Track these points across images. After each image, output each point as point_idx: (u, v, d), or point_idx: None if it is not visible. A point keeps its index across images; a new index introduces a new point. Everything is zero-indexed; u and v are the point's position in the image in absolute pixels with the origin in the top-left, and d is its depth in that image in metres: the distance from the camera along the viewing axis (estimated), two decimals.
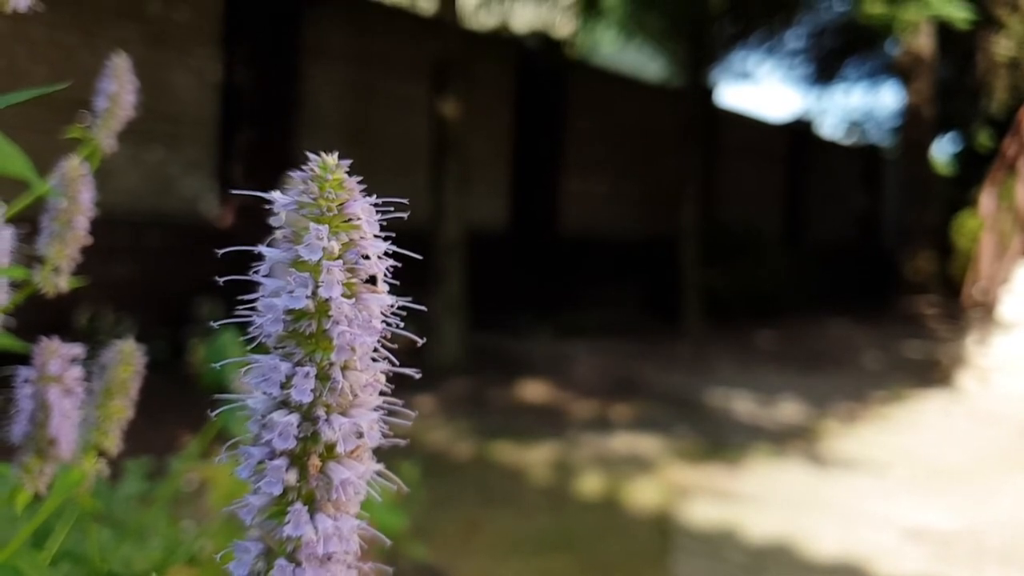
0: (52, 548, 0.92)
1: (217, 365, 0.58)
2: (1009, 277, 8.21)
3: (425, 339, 0.47)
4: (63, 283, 1.00)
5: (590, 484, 4.30)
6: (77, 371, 0.88)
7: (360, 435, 0.45)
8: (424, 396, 5.76)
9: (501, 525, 3.64)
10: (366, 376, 0.46)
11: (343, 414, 0.45)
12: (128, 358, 0.91)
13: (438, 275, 7.06)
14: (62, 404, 0.85)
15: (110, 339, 0.94)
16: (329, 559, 0.44)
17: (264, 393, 0.45)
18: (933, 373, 7.99)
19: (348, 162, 0.48)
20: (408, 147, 8.60)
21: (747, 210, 13.50)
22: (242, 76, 7.65)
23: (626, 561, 3.40)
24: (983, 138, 13.95)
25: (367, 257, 0.47)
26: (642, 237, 11.88)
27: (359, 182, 0.48)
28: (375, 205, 0.47)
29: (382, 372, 0.47)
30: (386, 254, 0.47)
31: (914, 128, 13.56)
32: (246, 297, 0.46)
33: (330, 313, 0.45)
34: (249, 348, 0.47)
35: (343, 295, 0.45)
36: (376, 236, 0.47)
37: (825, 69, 16.23)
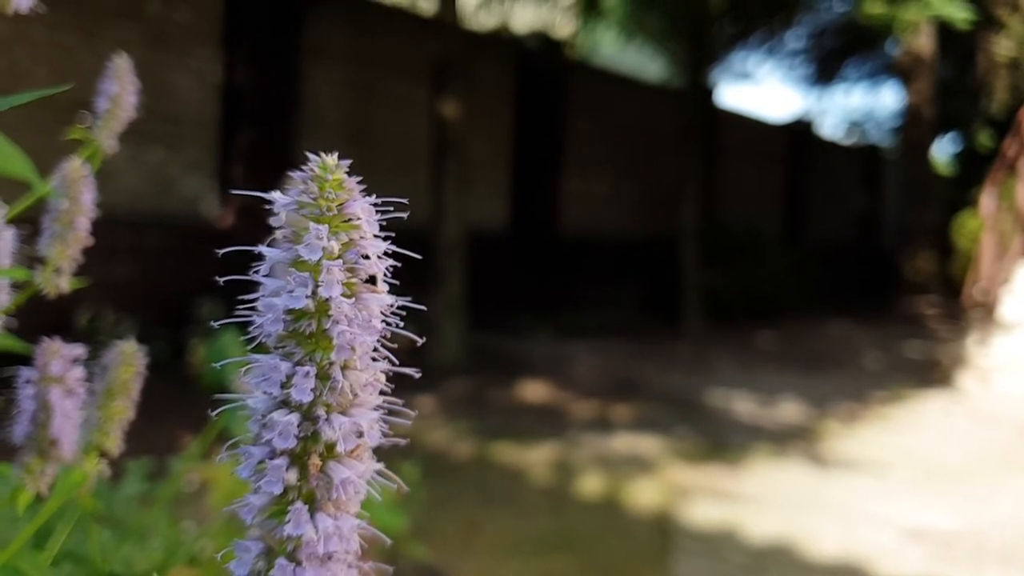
0: (53, 549, 0.92)
1: (217, 365, 0.58)
2: (1009, 277, 8.20)
3: (425, 339, 0.47)
4: (64, 284, 1.00)
5: (590, 484, 4.30)
6: (79, 372, 0.88)
7: (360, 434, 0.45)
8: (424, 396, 5.76)
9: (501, 525, 3.64)
10: (366, 376, 0.46)
11: (343, 413, 0.45)
12: (129, 359, 0.91)
13: (438, 275, 7.06)
14: (64, 405, 0.85)
15: (111, 339, 0.94)
16: (329, 558, 0.44)
17: (264, 393, 0.45)
18: (933, 373, 7.99)
19: (348, 162, 0.48)
20: (408, 147, 8.60)
21: (747, 210, 13.50)
22: (242, 76, 7.65)
23: (626, 561, 3.40)
24: (983, 138, 13.96)
25: (367, 257, 0.47)
26: (642, 237, 11.89)
27: (359, 182, 0.48)
28: (375, 205, 0.47)
29: (382, 372, 0.47)
30: (386, 254, 0.47)
31: (914, 128, 13.56)
32: (246, 297, 0.47)
33: (330, 313, 0.45)
34: (249, 348, 0.47)
35: (343, 295, 0.45)
36: (376, 236, 0.47)
37: (825, 69, 16.24)
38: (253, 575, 0.45)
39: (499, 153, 10.10)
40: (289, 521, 0.44)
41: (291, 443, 0.44)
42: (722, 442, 5.22)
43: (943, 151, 19.53)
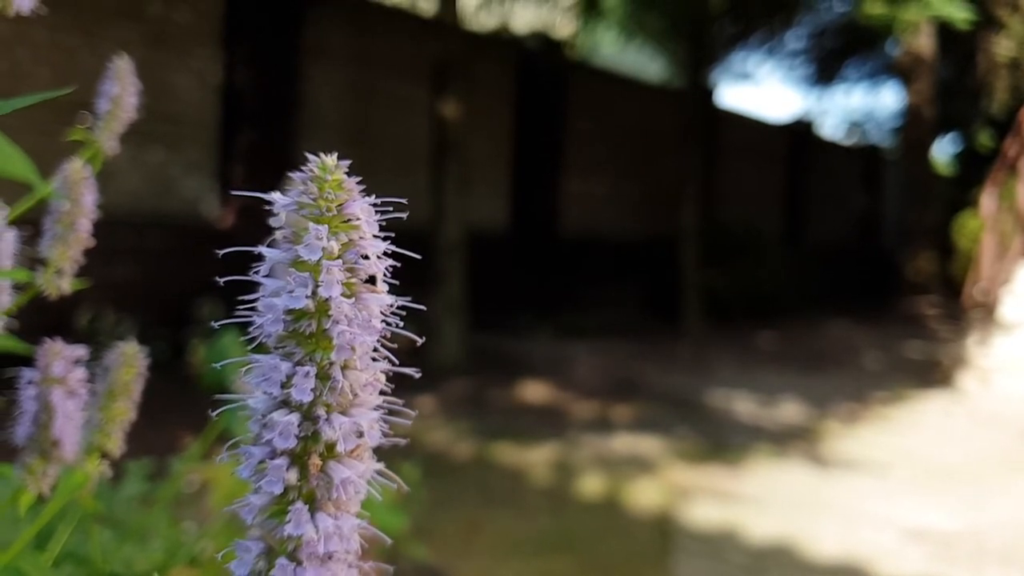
0: (54, 549, 0.92)
1: (218, 365, 0.59)
2: (1010, 278, 8.20)
3: (425, 339, 0.48)
4: (66, 285, 1.00)
5: (591, 485, 4.30)
6: (80, 373, 0.88)
7: (360, 434, 0.46)
8: (424, 396, 5.76)
9: (501, 525, 3.64)
10: (366, 375, 0.46)
11: (343, 413, 0.45)
12: (131, 360, 0.91)
13: (438, 275, 7.06)
14: (65, 406, 0.85)
15: (111, 340, 0.94)
16: (330, 558, 0.44)
17: (265, 393, 0.45)
18: (934, 374, 7.98)
19: (347, 163, 0.48)
20: (408, 148, 8.60)
21: (747, 210, 13.51)
22: (242, 77, 7.66)
23: (627, 562, 3.40)
24: (984, 138, 13.95)
25: (366, 257, 0.47)
26: (642, 237, 11.89)
27: (359, 183, 0.48)
28: (374, 205, 0.48)
29: (382, 372, 0.47)
30: (386, 254, 0.48)
31: (915, 128, 13.56)
32: (246, 297, 0.47)
33: (330, 313, 0.45)
34: (249, 348, 0.47)
35: (343, 295, 0.45)
36: (375, 236, 0.47)
37: (825, 69, 16.24)
38: (254, 575, 0.45)
39: (499, 153, 10.11)
40: (290, 521, 0.44)
41: (291, 443, 0.44)
42: (722, 442, 5.22)
43: (943, 151, 19.54)
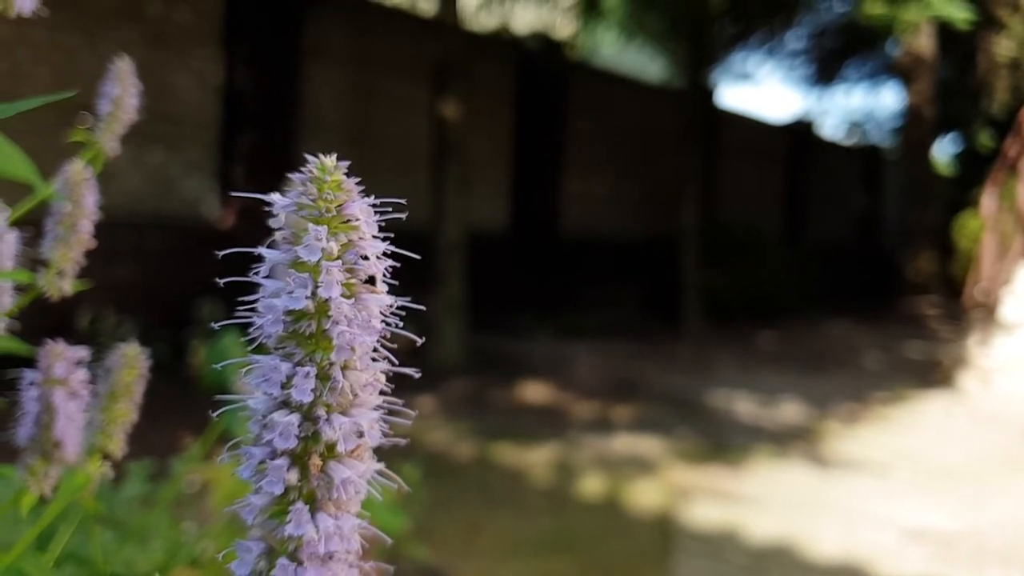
0: (56, 550, 0.93)
1: (218, 366, 0.59)
2: (1010, 278, 8.20)
3: (425, 339, 0.48)
4: (67, 286, 1.01)
5: (591, 485, 4.30)
6: (82, 374, 0.88)
7: (361, 434, 0.46)
8: (424, 396, 5.76)
9: (502, 526, 3.64)
10: (366, 376, 0.47)
11: (343, 414, 0.46)
12: (132, 361, 0.91)
13: (438, 276, 7.06)
14: (67, 407, 0.85)
15: (112, 341, 0.95)
16: (331, 558, 0.45)
17: (265, 393, 0.46)
18: (934, 374, 7.98)
19: (346, 163, 0.48)
20: (409, 148, 8.61)
21: (747, 211, 13.51)
22: (243, 77, 7.66)
23: (627, 562, 3.40)
24: (984, 139, 13.94)
25: (366, 258, 0.47)
26: (642, 238, 11.89)
27: (359, 183, 0.48)
28: (374, 206, 0.48)
29: (382, 372, 0.47)
30: (386, 254, 0.48)
31: (915, 129, 13.56)
32: (247, 298, 0.47)
33: (330, 313, 0.45)
34: (250, 349, 0.47)
35: (342, 295, 0.45)
36: (375, 237, 0.47)
37: (825, 70, 16.23)
38: (255, 575, 0.45)
39: (499, 154, 10.11)
40: (290, 521, 0.44)
41: (292, 443, 0.44)
42: (723, 443, 5.22)
43: (944, 151, 19.54)
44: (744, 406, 6.37)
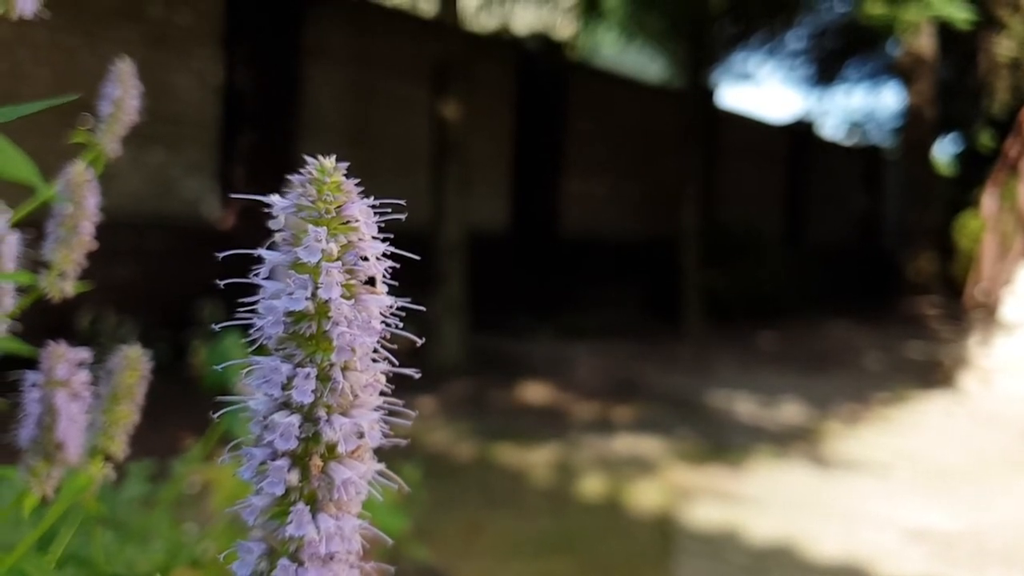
0: (57, 551, 0.93)
1: (219, 367, 0.59)
2: (1011, 278, 8.20)
3: (425, 340, 0.48)
4: (69, 288, 1.01)
5: (591, 486, 4.30)
6: (84, 376, 0.88)
7: (361, 435, 0.46)
8: (425, 397, 5.76)
9: (502, 526, 3.64)
10: (366, 377, 0.47)
11: (344, 414, 0.46)
12: (134, 363, 0.92)
13: (439, 276, 7.07)
14: (69, 408, 0.85)
15: (112, 341, 0.95)
16: (331, 559, 0.45)
17: (266, 394, 0.46)
18: (935, 374, 7.98)
19: (346, 164, 0.48)
20: (409, 148, 8.61)
21: (748, 211, 13.50)
22: (243, 78, 7.66)
23: (628, 563, 3.40)
24: (985, 139, 13.94)
25: (366, 259, 0.47)
26: (642, 238, 11.89)
27: (359, 184, 0.48)
28: (373, 207, 0.48)
29: (382, 373, 0.47)
30: (386, 255, 0.48)
31: (915, 129, 13.56)
32: (247, 299, 0.47)
33: (330, 314, 0.45)
34: (250, 350, 0.47)
35: (342, 296, 0.46)
36: (374, 238, 0.48)
37: (826, 70, 16.23)
38: None
39: (500, 154, 10.11)
40: (291, 522, 0.44)
41: (292, 444, 0.45)
42: (723, 443, 5.22)
43: (944, 151, 19.53)
44: (744, 406, 6.37)
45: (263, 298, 0.46)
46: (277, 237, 0.47)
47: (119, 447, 0.92)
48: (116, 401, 0.90)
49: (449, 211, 7.18)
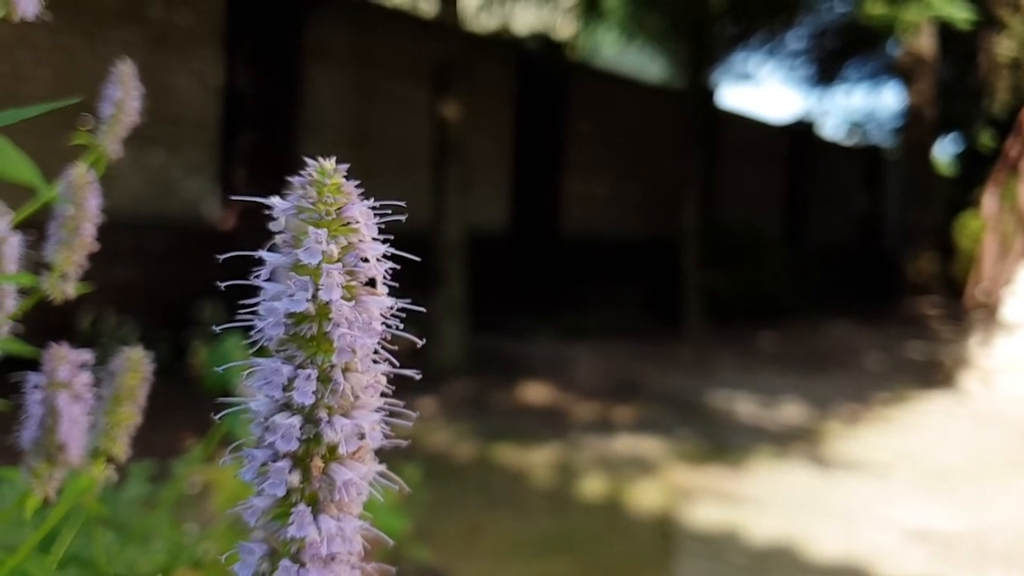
0: (59, 552, 0.93)
1: (220, 369, 0.59)
2: (1012, 278, 8.20)
3: (426, 341, 0.48)
4: (70, 289, 1.01)
5: (592, 486, 4.30)
6: (86, 377, 0.88)
7: (362, 436, 0.46)
8: (425, 398, 5.76)
9: (503, 527, 3.64)
10: (367, 378, 0.47)
11: (345, 416, 0.46)
12: (136, 365, 0.92)
13: (439, 277, 7.07)
14: (71, 410, 0.85)
15: (113, 342, 0.95)
16: (333, 560, 0.45)
17: (267, 396, 0.46)
18: (936, 374, 7.98)
19: (346, 166, 0.48)
20: (409, 149, 8.61)
21: (748, 211, 13.50)
22: (244, 78, 7.67)
23: (628, 563, 3.40)
24: (985, 139, 13.93)
25: (366, 260, 0.47)
26: (643, 238, 11.89)
27: (360, 185, 0.48)
28: (374, 208, 0.48)
29: (383, 374, 0.48)
30: (386, 256, 0.48)
31: (916, 129, 13.56)
32: (247, 301, 0.47)
33: (330, 316, 0.45)
34: (251, 351, 0.47)
35: (343, 298, 0.46)
36: (375, 239, 0.48)
37: (826, 70, 16.23)
38: None
39: (500, 154, 10.11)
40: (292, 523, 0.44)
41: (294, 445, 0.45)
42: (724, 443, 5.22)
43: (945, 151, 19.52)
44: (745, 407, 6.37)
45: (264, 300, 0.46)
46: (278, 239, 0.48)
47: (121, 449, 0.92)
48: (118, 403, 0.91)
49: (449, 211, 7.18)
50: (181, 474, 1.85)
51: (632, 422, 5.71)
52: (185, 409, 3.08)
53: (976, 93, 13.38)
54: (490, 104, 9.68)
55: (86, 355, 0.89)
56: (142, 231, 6.61)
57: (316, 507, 0.45)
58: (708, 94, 12.24)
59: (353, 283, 0.47)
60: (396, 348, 0.49)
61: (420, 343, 0.49)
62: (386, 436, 0.48)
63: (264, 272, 0.47)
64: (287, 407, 0.45)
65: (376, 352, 0.47)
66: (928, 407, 6.63)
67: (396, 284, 0.48)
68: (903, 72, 13.69)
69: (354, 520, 0.46)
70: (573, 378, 7.11)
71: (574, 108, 11.11)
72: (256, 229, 0.58)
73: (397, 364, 0.48)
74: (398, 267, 0.48)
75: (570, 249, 10.84)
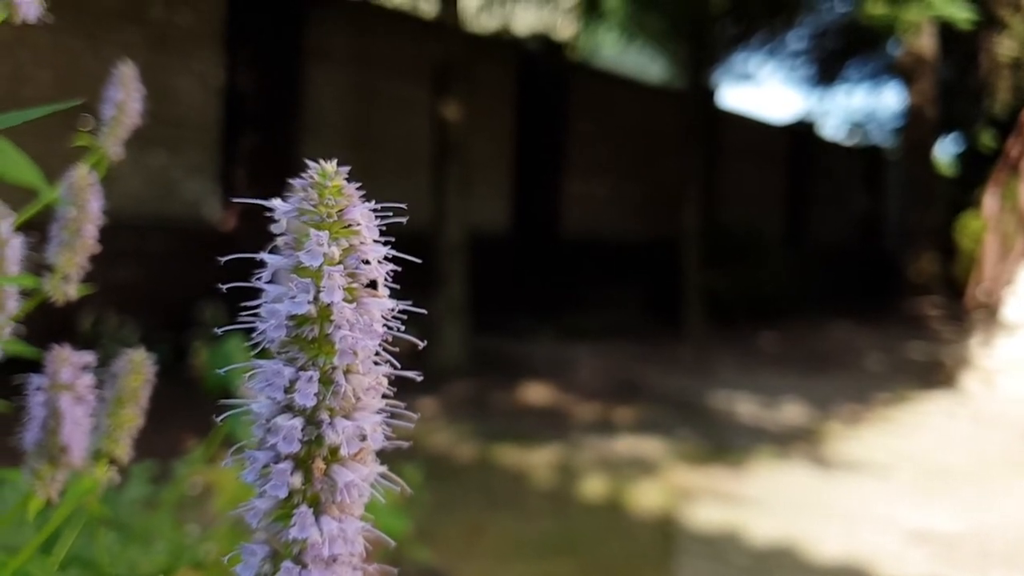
0: (60, 553, 0.93)
1: (221, 370, 0.59)
2: (1013, 278, 8.19)
3: (427, 342, 0.48)
4: (72, 291, 1.01)
5: (593, 487, 4.30)
6: (88, 379, 0.88)
7: (363, 438, 0.46)
8: (426, 399, 5.76)
9: (504, 528, 3.64)
10: (368, 379, 0.47)
11: (346, 417, 0.46)
12: (138, 367, 0.92)
13: (440, 278, 7.07)
14: (74, 412, 0.85)
15: (114, 343, 0.95)
16: (334, 561, 0.45)
17: (268, 397, 0.46)
18: (936, 375, 7.97)
19: (347, 168, 0.49)
20: (410, 149, 8.62)
21: (749, 212, 13.50)
22: (244, 79, 7.67)
23: (629, 564, 3.40)
24: (986, 139, 13.93)
25: (367, 262, 0.47)
26: (643, 239, 11.89)
27: (361, 186, 0.48)
28: (375, 210, 0.48)
29: (384, 375, 0.48)
30: (387, 258, 0.48)
31: (916, 129, 13.55)
32: (249, 302, 0.47)
33: (332, 318, 0.45)
34: (253, 353, 0.47)
35: (344, 300, 0.46)
36: (376, 241, 0.48)
37: (827, 70, 16.22)
38: None
39: (501, 155, 10.12)
40: (294, 524, 0.44)
41: (295, 447, 0.45)
42: (724, 444, 5.22)
43: (945, 152, 19.50)
44: (746, 407, 6.37)
45: (265, 302, 0.46)
46: (279, 241, 0.48)
47: (123, 450, 0.92)
48: (120, 404, 0.91)
49: (450, 212, 7.18)
50: (183, 475, 1.85)
51: (633, 423, 5.71)
52: (187, 410, 3.09)
53: (977, 93, 13.37)
54: (490, 104, 9.68)
55: (88, 357, 0.89)
56: (143, 232, 6.62)
57: (318, 508, 0.45)
58: (708, 94, 12.24)
59: (354, 285, 0.47)
60: (397, 349, 0.49)
61: (421, 344, 0.49)
62: (387, 437, 0.48)
63: (266, 274, 0.47)
64: (289, 409, 0.46)
65: (377, 354, 0.47)
66: (929, 407, 6.63)
67: (397, 285, 0.49)
68: (904, 72, 13.69)
69: (356, 521, 0.46)
70: (574, 379, 7.11)
71: (574, 108, 11.11)
72: (257, 230, 0.59)
73: (398, 365, 0.48)
74: (399, 268, 0.48)
75: (571, 250, 10.84)
